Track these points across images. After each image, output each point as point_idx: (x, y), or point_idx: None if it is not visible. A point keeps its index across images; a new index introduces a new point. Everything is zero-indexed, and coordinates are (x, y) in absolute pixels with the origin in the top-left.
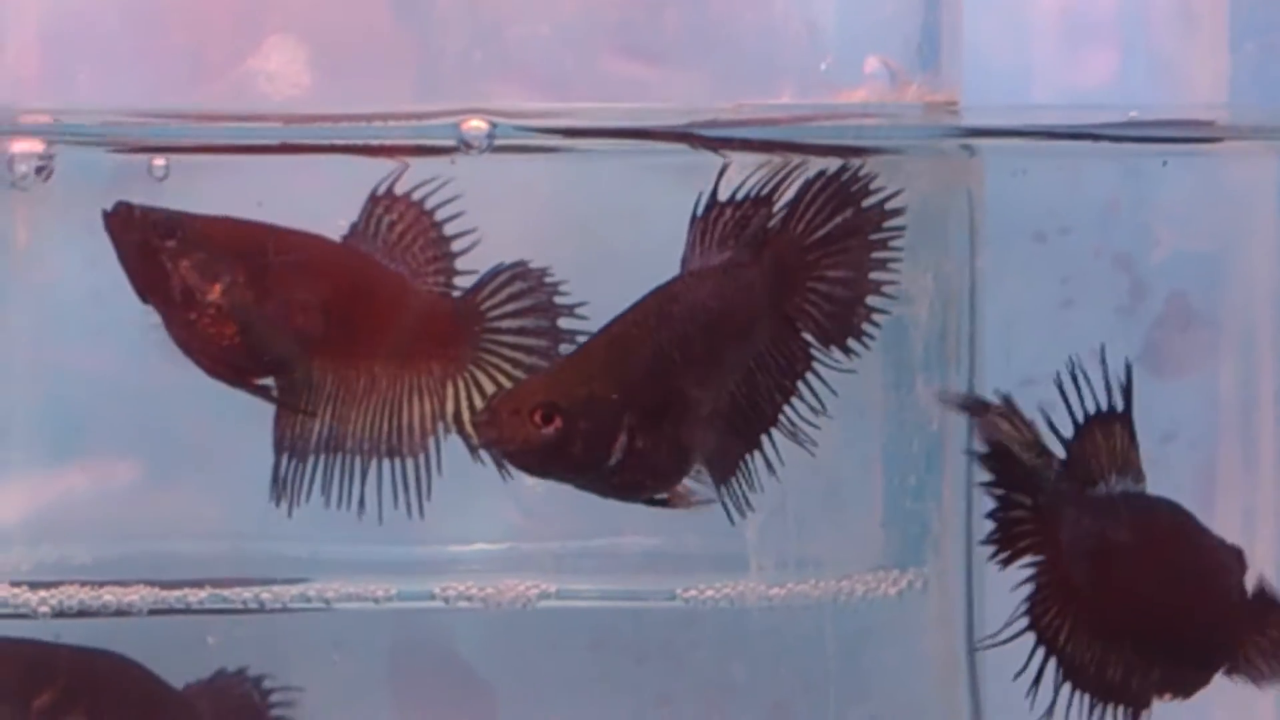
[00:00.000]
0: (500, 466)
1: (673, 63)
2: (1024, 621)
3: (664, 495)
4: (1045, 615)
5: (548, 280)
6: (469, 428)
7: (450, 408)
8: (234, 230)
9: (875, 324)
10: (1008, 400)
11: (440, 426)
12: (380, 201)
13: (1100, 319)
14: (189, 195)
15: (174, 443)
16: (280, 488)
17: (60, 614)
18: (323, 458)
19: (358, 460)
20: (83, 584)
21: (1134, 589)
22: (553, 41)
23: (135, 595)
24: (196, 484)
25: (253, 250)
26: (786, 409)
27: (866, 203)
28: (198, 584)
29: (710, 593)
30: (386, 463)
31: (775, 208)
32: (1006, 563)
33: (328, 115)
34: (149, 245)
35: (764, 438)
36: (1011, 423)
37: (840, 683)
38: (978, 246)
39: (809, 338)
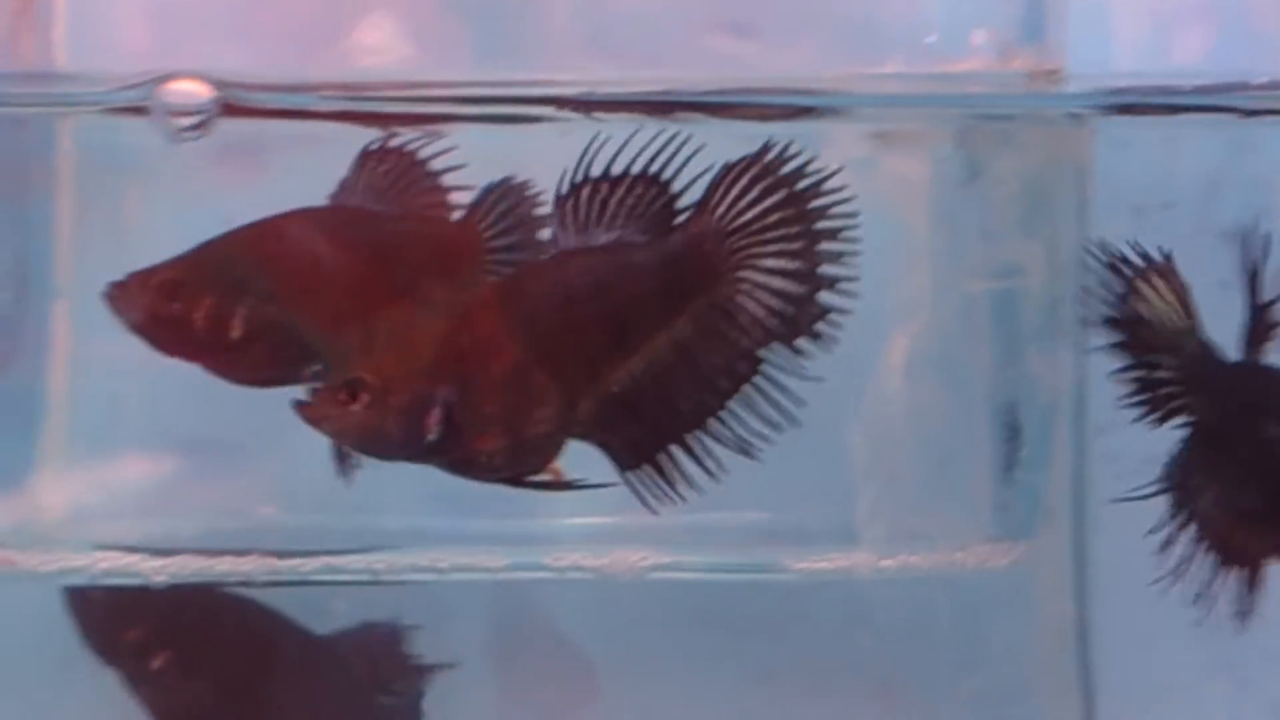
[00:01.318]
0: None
1: (771, 38)
2: (1163, 482)
3: (543, 477)
4: (1185, 477)
5: (529, 193)
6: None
7: None
8: (226, 252)
9: (832, 323)
10: (1168, 258)
11: None
12: (371, 156)
13: (1202, 295)
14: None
15: (285, 414)
16: (344, 461)
17: (176, 584)
18: None
19: None
20: (197, 553)
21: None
22: (653, 17)
23: (250, 565)
24: (309, 455)
25: (251, 262)
26: (726, 409)
27: (801, 185)
28: (311, 554)
29: (822, 565)
30: None
31: (675, 186)
32: (1161, 422)
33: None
34: (157, 315)
35: (692, 435)
36: (1168, 281)
37: (951, 655)
38: (1088, 218)
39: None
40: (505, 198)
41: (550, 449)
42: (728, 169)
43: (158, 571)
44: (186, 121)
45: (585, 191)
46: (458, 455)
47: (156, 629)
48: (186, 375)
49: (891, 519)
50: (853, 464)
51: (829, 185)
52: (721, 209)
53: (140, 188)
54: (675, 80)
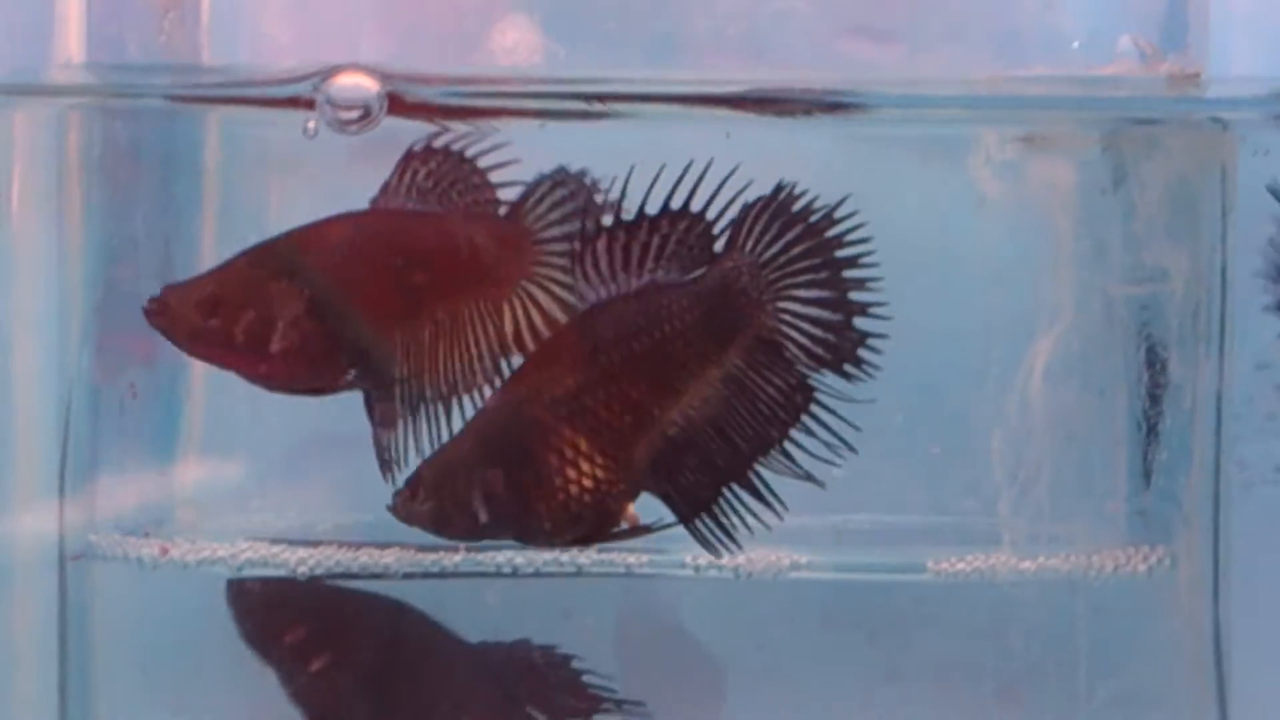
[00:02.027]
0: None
1: (913, 43)
2: None
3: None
4: None
5: (588, 180)
6: (528, 349)
7: (511, 329)
8: (265, 262)
9: (873, 348)
10: None
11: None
12: (415, 157)
13: None
14: None
15: None
16: (387, 464)
17: (316, 576)
18: (419, 416)
19: (442, 406)
20: (340, 545)
21: None
22: (792, 21)
23: (391, 557)
24: None
25: (291, 272)
26: (787, 439)
27: (813, 219)
28: (452, 548)
29: (961, 565)
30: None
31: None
32: None
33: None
34: (197, 331)
35: (753, 471)
36: None
37: (1086, 660)
38: (1230, 223)
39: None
40: (558, 188)
41: (611, 504)
42: (748, 208)
43: (301, 562)
44: (352, 115)
45: (602, 242)
46: (516, 529)
47: (310, 624)
48: None
49: (1031, 521)
50: (994, 466)
51: (840, 215)
52: (750, 244)
53: (283, 181)
54: (820, 81)
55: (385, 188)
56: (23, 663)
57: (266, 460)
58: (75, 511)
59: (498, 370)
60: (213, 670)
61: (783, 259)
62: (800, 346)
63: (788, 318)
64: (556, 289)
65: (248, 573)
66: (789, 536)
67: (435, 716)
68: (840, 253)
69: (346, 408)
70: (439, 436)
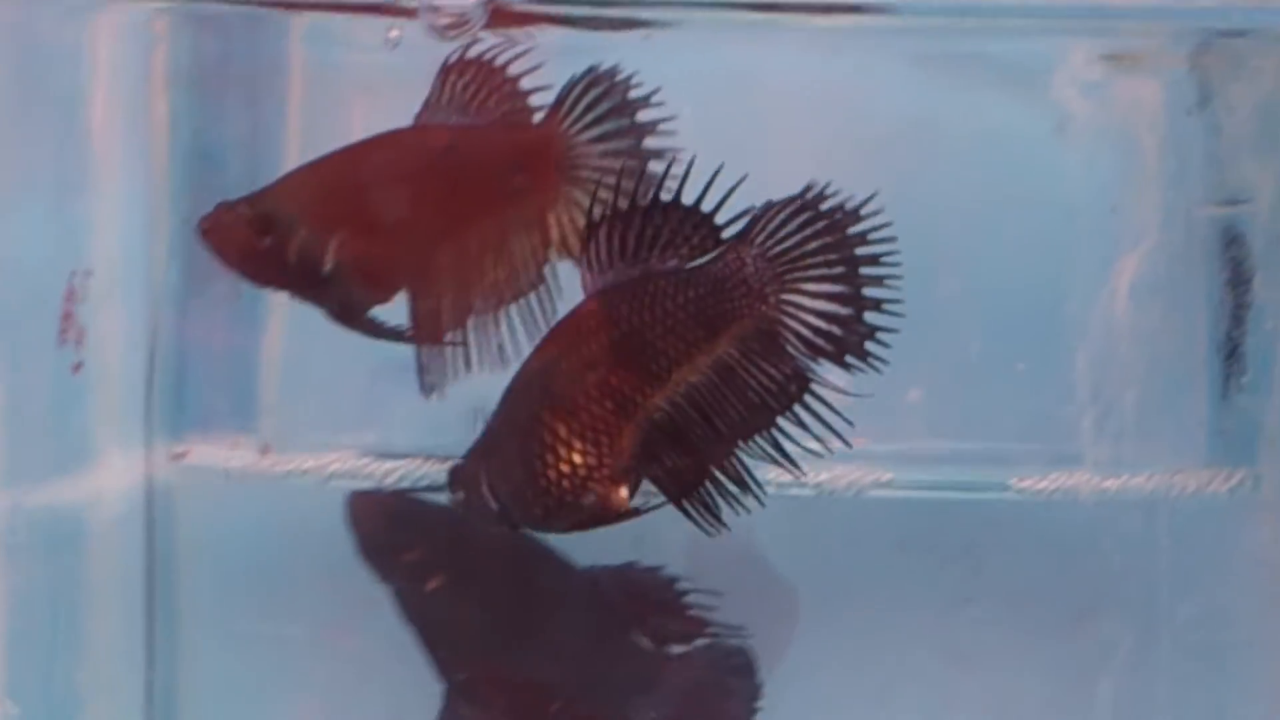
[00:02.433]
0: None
1: None
2: None
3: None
4: None
5: (620, 79)
6: (572, 251)
7: (555, 234)
8: (316, 182)
9: (881, 342)
10: None
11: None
12: (451, 70)
13: None
14: None
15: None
16: (428, 383)
17: (404, 489)
18: (467, 333)
19: (491, 319)
20: (427, 458)
21: None
22: None
23: None
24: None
25: (339, 195)
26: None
27: (853, 229)
28: None
29: (1045, 484)
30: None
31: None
32: None
33: None
34: (249, 249)
35: (734, 456)
36: None
37: (1170, 580)
38: None
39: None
40: (591, 88)
41: (596, 489)
42: (770, 205)
43: (388, 474)
44: (451, 21)
45: (603, 230)
46: (518, 516)
47: (427, 544)
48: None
49: (1114, 442)
50: (1077, 386)
51: (869, 211)
52: (762, 238)
53: (365, 95)
54: None
55: (427, 103)
56: (110, 575)
57: (349, 379)
58: (162, 424)
59: (542, 278)
60: (299, 582)
61: (796, 253)
62: (802, 338)
63: (791, 309)
64: (593, 189)
65: (335, 485)
66: (872, 456)
67: (543, 637)
68: (862, 250)
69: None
70: (483, 354)
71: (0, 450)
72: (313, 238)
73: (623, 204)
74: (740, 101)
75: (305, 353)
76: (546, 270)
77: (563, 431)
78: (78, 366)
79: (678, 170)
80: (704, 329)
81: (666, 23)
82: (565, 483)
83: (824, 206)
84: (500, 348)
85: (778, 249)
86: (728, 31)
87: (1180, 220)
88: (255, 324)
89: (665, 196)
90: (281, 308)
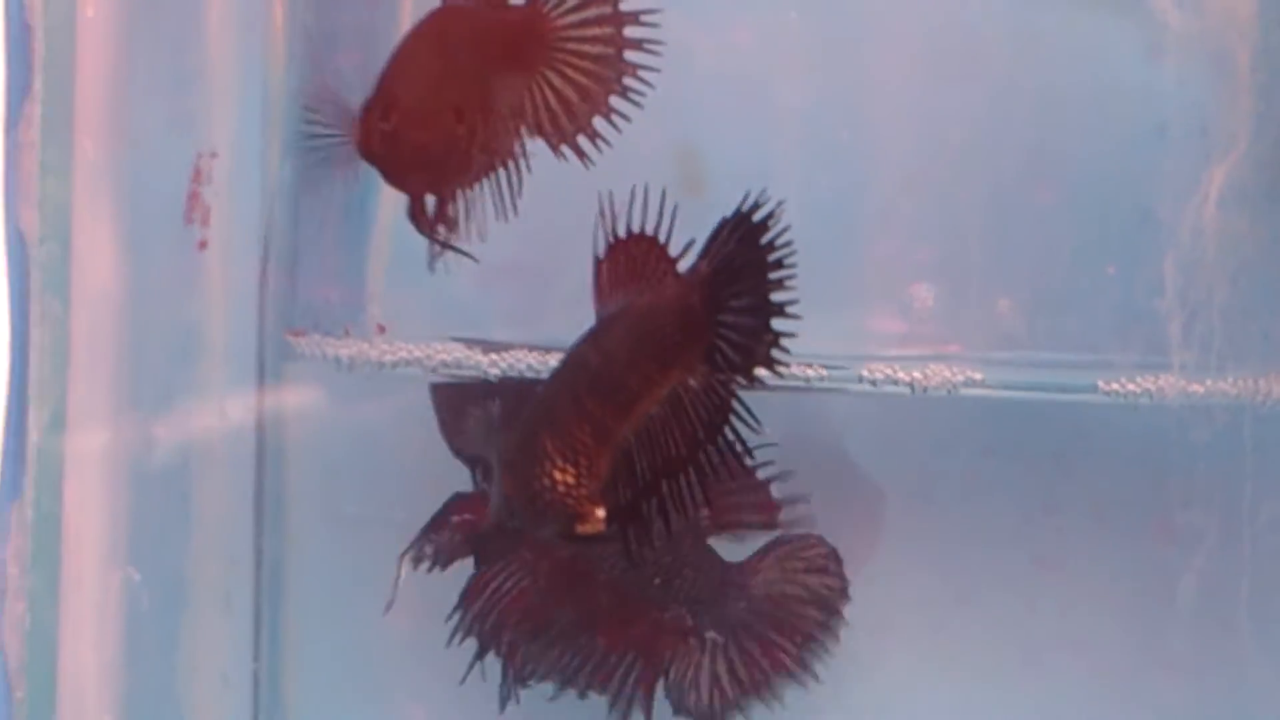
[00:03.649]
0: None
1: None
2: None
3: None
4: None
5: None
6: (547, 129)
7: (530, 115)
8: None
9: (784, 348)
10: None
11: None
12: None
13: None
14: None
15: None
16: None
17: (510, 376)
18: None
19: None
20: (530, 349)
21: None
22: None
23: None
24: None
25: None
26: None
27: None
28: None
29: (1132, 386)
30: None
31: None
32: None
33: None
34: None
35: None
36: None
37: (1254, 482)
38: None
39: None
40: None
41: (574, 506)
42: (719, 226)
43: (492, 365)
44: None
45: (604, 263)
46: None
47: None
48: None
49: (1201, 346)
50: (1165, 291)
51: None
52: (706, 262)
53: None
54: None
55: None
56: (221, 463)
57: (455, 277)
58: (274, 311)
59: (524, 151)
60: (405, 469)
61: (726, 274)
62: (725, 357)
63: (723, 330)
64: (570, 72)
65: (441, 374)
66: (964, 359)
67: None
68: (769, 255)
69: (527, 237)
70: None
71: (124, 325)
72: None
73: (623, 231)
74: (842, 9)
75: (414, 250)
76: (518, 149)
77: (549, 448)
78: (203, 244)
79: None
80: (657, 362)
81: None
82: (547, 495)
83: (756, 219)
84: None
85: (718, 272)
86: None
87: (1272, 127)
88: (366, 219)
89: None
90: (390, 203)
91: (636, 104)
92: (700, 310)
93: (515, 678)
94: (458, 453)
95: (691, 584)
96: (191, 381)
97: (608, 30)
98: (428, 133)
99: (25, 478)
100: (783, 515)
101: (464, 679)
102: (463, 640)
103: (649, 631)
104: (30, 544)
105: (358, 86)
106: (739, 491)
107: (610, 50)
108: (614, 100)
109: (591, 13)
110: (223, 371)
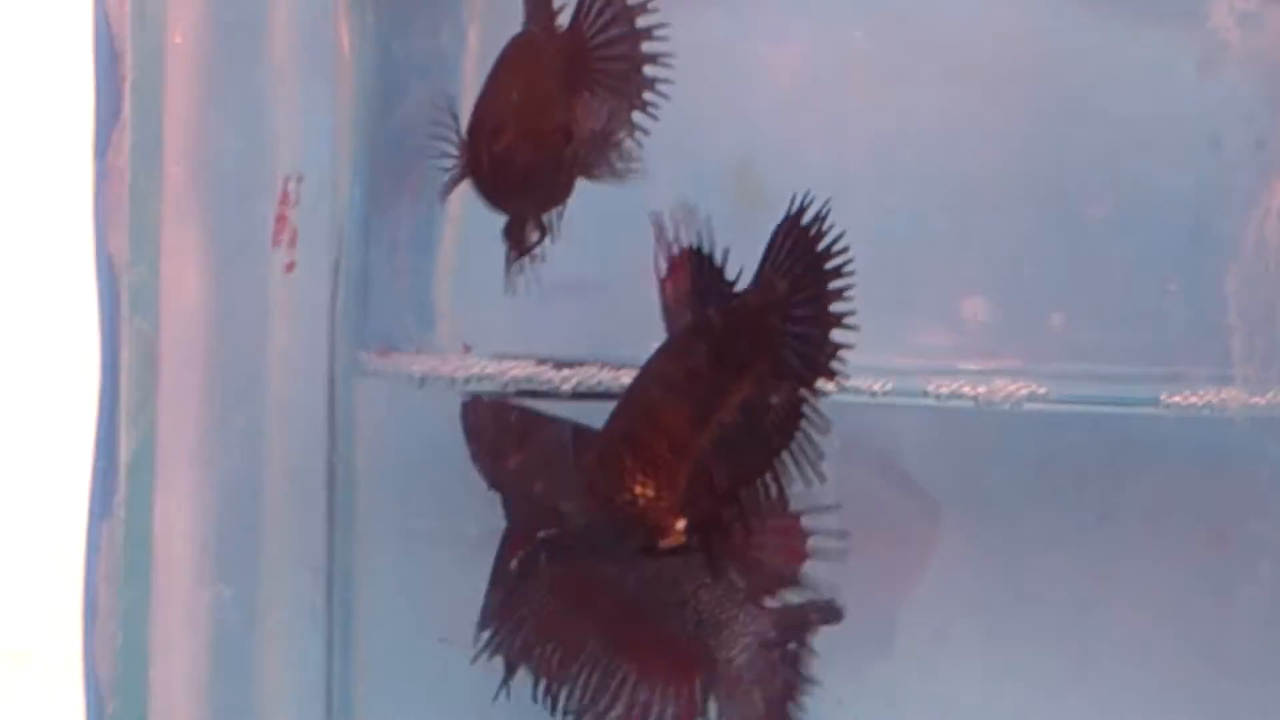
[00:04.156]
0: None
1: None
2: None
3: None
4: None
5: None
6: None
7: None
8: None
9: (842, 360)
10: None
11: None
12: None
13: None
14: None
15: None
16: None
17: (580, 395)
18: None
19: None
20: (603, 365)
21: None
22: None
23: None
24: None
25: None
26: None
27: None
28: None
29: (1194, 399)
30: None
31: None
32: None
33: None
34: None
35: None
36: None
37: None
38: None
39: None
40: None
41: (655, 519)
42: (775, 232)
43: (565, 380)
44: None
45: (669, 281)
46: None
47: (526, 450)
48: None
49: (1263, 360)
50: (1229, 305)
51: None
52: (770, 270)
53: None
54: None
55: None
56: (292, 481)
57: (524, 296)
58: (345, 333)
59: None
60: (475, 485)
61: (788, 281)
62: (790, 366)
63: (787, 339)
64: (603, 92)
65: (513, 389)
66: (1028, 373)
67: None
68: (828, 264)
69: (591, 255)
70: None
71: (211, 346)
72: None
73: (688, 248)
74: (904, 27)
75: (483, 269)
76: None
77: (629, 463)
78: (289, 266)
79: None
80: (728, 373)
81: None
82: (630, 509)
83: (806, 223)
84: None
85: (779, 282)
86: None
87: None
88: (433, 239)
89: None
90: (454, 222)
91: (654, 118)
92: (766, 320)
93: (551, 706)
94: (493, 477)
95: (711, 606)
96: (271, 399)
97: (627, 48)
98: (538, 154)
99: (116, 497)
100: (811, 545)
101: (495, 698)
102: (491, 657)
103: (677, 658)
104: (122, 563)
105: (428, 112)
106: (770, 532)
107: (630, 67)
108: (637, 116)
109: (614, 32)
110: (301, 389)
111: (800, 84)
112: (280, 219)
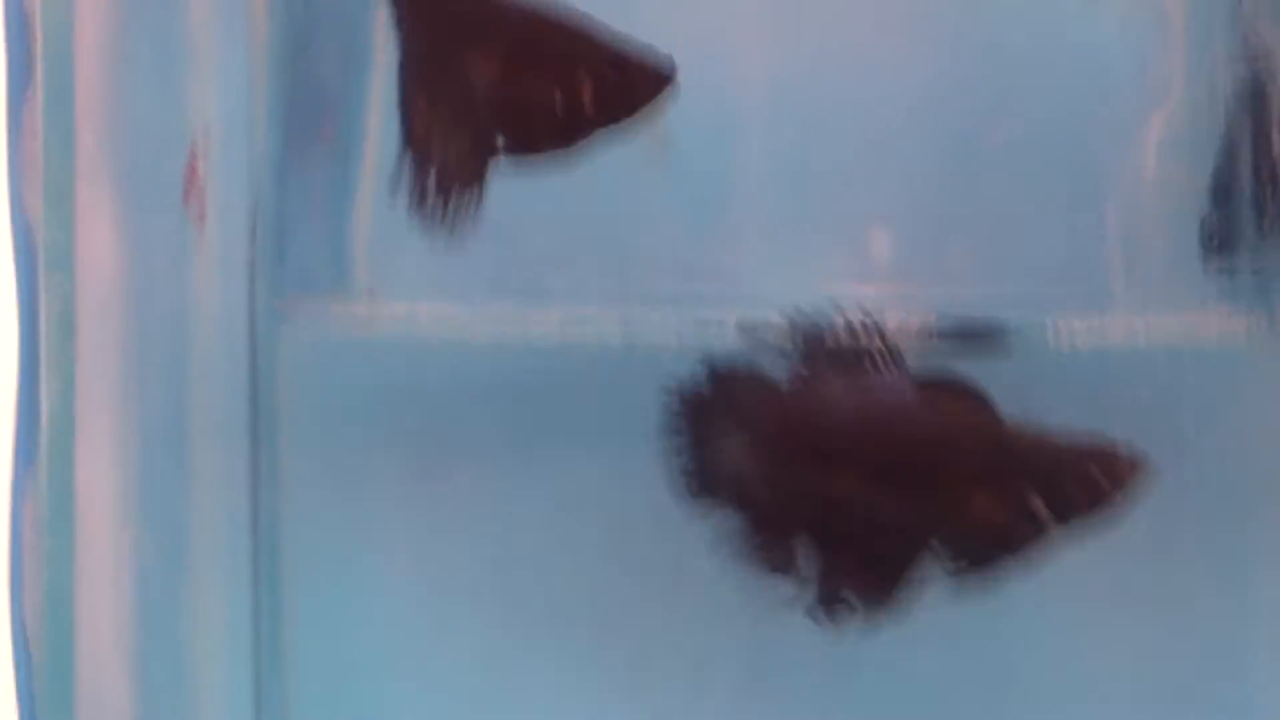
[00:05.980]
0: None
1: None
2: None
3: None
4: None
5: None
6: None
7: None
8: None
9: None
10: None
11: None
12: None
13: None
14: None
15: None
16: None
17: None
18: None
19: None
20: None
21: None
22: None
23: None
24: None
25: None
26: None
27: None
28: None
29: (1077, 325)
30: None
31: None
32: None
33: None
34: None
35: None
36: None
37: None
38: None
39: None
40: None
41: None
42: None
43: (469, 321)
44: None
45: None
46: None
47: None
48: None
49: (1144, 287)
50: (1108, 234)
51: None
52: None
53: None
54: None
55: None
56: (215, 428)
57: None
58: (264, 279)
59: None
60: (397, 427)
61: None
62: None
63: None
64: None
65: (425, 333)
66: (916, 302)
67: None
68: None
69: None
70: None
71: (127, 304)
72: None
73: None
74: None
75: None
76: None
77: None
78: (202, 216)
79: None
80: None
81: None
82: None
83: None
84: None
85: None
86: None
87: (1205, 78)
88: (349, 186)
89: None
90: (370, 169)
91: None
92: None
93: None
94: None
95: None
96: (192, 348)
97: None
98: None
99: (39, 445)
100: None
101: None
102: None
103: None
104: (45, 511)
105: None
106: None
107: None
108: None
109: None
110: (220, 337)
111: (694, 20)
112: (192, 171)
